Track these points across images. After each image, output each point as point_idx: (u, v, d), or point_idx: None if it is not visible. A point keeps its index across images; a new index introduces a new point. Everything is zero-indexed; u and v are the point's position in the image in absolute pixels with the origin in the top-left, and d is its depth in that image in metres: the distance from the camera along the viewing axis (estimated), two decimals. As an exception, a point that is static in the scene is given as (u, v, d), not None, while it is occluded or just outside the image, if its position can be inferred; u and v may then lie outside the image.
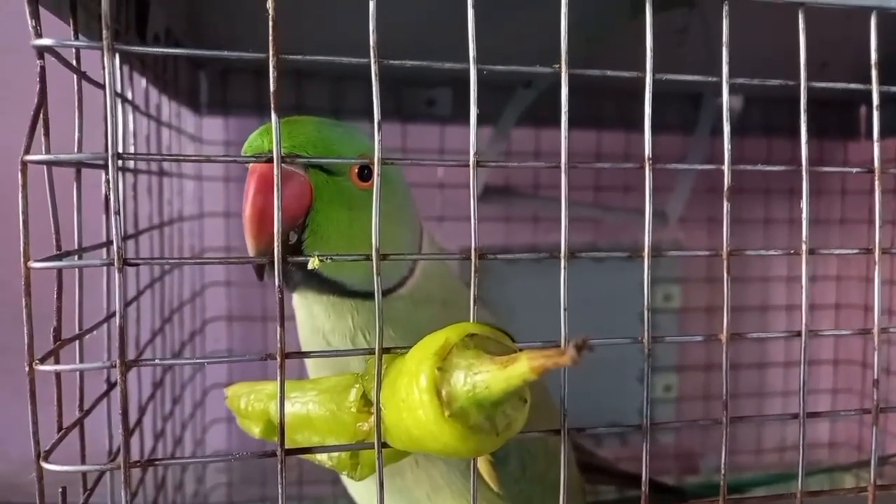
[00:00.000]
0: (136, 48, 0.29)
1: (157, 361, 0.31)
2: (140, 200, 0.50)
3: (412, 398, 0.25)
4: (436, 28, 0.38)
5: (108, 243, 0.35)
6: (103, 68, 0.26)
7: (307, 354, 0.31)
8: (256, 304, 0.82)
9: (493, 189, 0.85)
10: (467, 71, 0.31)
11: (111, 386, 0.37)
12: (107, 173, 0.29)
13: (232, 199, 0.79)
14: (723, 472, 0.35)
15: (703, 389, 0.96)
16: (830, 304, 0.99)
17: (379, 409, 0.29)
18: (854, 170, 0.37)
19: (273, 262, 0.28)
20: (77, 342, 0.33)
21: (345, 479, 0.46)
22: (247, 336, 0.85)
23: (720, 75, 0.34)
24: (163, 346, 0.57)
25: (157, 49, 0.30)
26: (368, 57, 0.29)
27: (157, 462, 0.28)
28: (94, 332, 0.35)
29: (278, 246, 0.28)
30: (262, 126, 0.35)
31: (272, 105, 0.28)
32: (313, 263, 0.30)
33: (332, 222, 0.35)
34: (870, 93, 0.36)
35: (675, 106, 0.90)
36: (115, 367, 0.26)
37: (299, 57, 0.28)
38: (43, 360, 0.28)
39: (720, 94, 0.89)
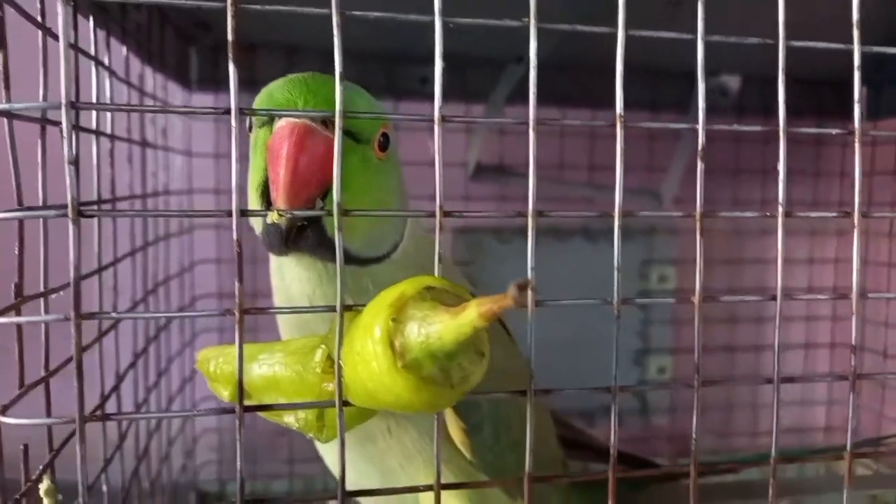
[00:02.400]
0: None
1: (113, 315, 0.30)
2: (120, 169, 0.50)
3: (367, 350, 0.25)
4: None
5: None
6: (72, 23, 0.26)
7: (264, 311, 0.31)
8: (248, 282, 0.82)
9: (486, 168, 0.84)
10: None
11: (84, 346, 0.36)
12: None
13: (222, 176, 0.79)
14: (694, 436, 0.34)
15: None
16: (829, 286, 0.98)
17: (339, 367, 0.28)
18: (833, 131, 0.36)
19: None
20: (42, 299, 0.32)
21: (318, 446, 0.46)
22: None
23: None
24: (146, 324, 0.57)
25: None
26: (330, 8, 0.28)
27: (112, 417, 0.28)
28: (62, 293, 0.34)
29: (236, 210, 0.28)
30: (283, 79, 0.34)
31: (230, 57, 0.28)
32: (271, 217, 0.29)
33: (355, 190, 0.34)
34: (869, 73, 0.35)
35: (670, 85, 0.89)
36: (69, 319, 0.26)
37: (257, 7, 0.28)
38: (3, 313, 0.28)
39: (716, 74, 0.88)
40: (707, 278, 1.08)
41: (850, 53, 0.35)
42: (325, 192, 0.32)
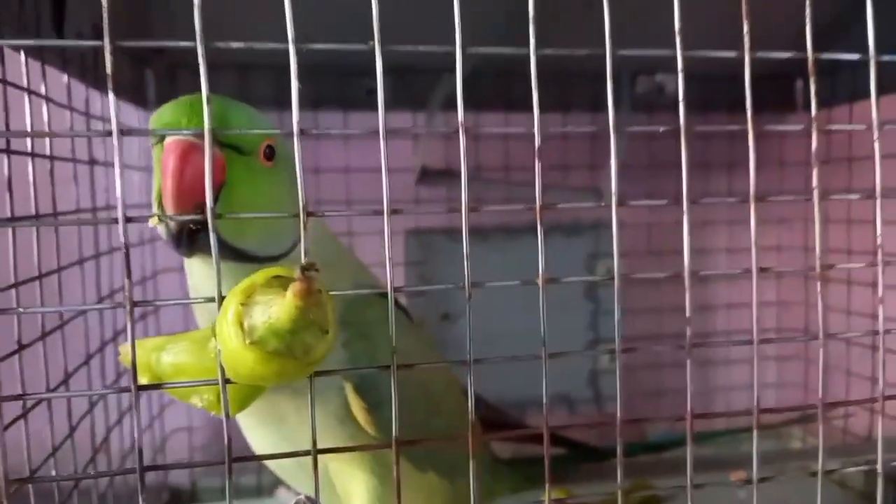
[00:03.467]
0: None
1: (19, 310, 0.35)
2: (65, 188, 0.54)
3: (223, 332, 0.30)
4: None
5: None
6: None
7: (151, 303, 0.35)
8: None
9: (432, 172, 0.89)
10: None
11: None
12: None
13: None
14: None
15: (649, 359, 1.00)
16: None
17: (219, 352, 0.33)
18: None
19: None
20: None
21: (242, 429, 0.50)
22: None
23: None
24: (101, 332, 0.62)
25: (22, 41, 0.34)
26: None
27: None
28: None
29: (122, 213, 0.32)
30: (173, 101, 0.38)
31: (109, 87, 0.32)
32: (152, 222, 0.34)
33: (241, 196, 0.39)
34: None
35: (604, 86, 0.93)
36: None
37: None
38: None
39: (652, 73, 0.93)
40: (651, 268, 1.12)
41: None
42: (215, 201, 0.36)
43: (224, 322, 0.29)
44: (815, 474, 0.41)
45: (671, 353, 1.09)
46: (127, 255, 0.32)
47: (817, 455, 0.41)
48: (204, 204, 0.36)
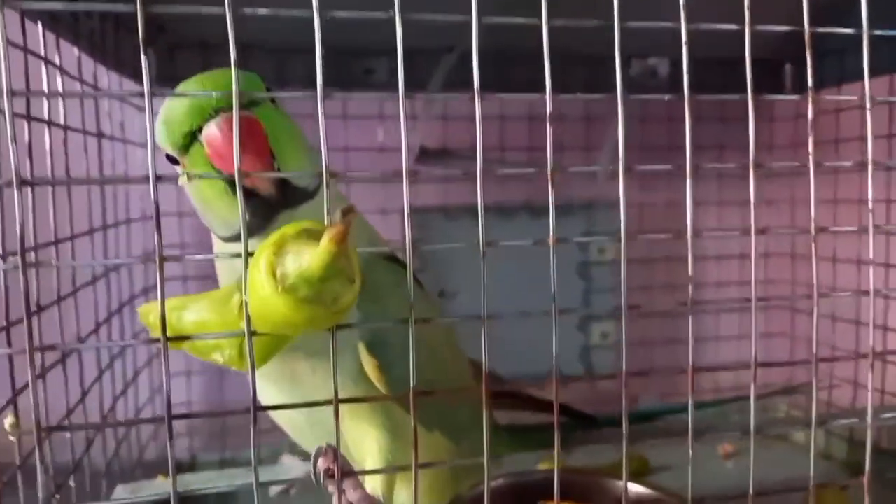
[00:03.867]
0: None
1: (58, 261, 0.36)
2: (78, 158, 0.55)
3: (256, 280, 0.31)
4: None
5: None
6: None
7: (179, 258, 0.37)
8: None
9: (430, 152, 0.91)
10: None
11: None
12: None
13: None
14: (554, 358, 0.40)
15: (640, 336, 1.02)
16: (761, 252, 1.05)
17: (246, 304, 0.34)
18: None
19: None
20: None
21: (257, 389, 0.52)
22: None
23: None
24: (108, 303, 0.63)
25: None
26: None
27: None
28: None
29: (153, 171, 0.34)
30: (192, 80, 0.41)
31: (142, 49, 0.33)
32: (181, 180, 0.35)
33: (279, 138, 0.42)
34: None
35: (600, 69, 0.95)
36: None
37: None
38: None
39: (645, 57, 0.95)
40: (644, 248, 1.15)
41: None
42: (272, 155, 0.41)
43: (257, 271, 0.31)
44: (810, 426, 0.43)
45: (660, 330, 1.12)
46: (157, 212, 0.34)
47: (801, 425, 0.43)
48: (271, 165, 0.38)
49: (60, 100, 0.51)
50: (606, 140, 0.92)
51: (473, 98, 0.38)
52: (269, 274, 0.31)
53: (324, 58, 0.34)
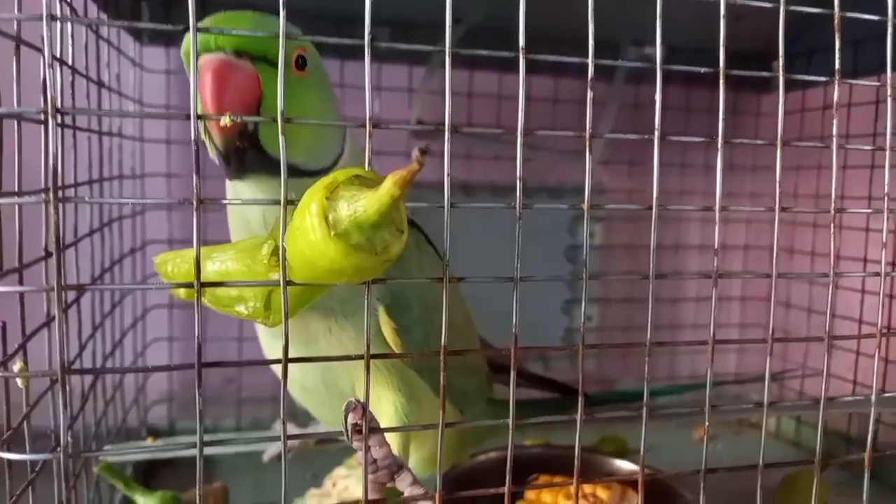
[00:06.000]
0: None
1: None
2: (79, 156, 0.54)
3: (305, 224, 0.30)
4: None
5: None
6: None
7: (218, 201, 0.35)
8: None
9: (427, 126, 0.90)
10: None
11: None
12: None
13: (172, 126, 0.82)
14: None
15: (623, 321, 1.04)
16: (740, 245, 1.07)
17: (283, 250, 0.33)
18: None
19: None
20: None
21: (265, 346, 0.51)
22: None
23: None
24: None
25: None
26: None
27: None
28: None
29: (194, 109, 0.33)
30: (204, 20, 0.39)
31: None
32: (224, 121, 0.34)
33: (275, 105, 0.39)
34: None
35: (598, 55, 0.96)
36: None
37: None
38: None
39: (641, 44, 0.95)
40: (631, 234, 1.16)
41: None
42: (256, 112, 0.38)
43: (307, 215, 0.30)
44: (817, 401, 0.44)
45: (643, 315, 1.14)
46: (196, 152, 0.33)
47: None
48: (246, 121, 0.37)
49: (70, 49, 0.49)
50: (598, 126, 0.93)
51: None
52: (321, 217, 0.30)
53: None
